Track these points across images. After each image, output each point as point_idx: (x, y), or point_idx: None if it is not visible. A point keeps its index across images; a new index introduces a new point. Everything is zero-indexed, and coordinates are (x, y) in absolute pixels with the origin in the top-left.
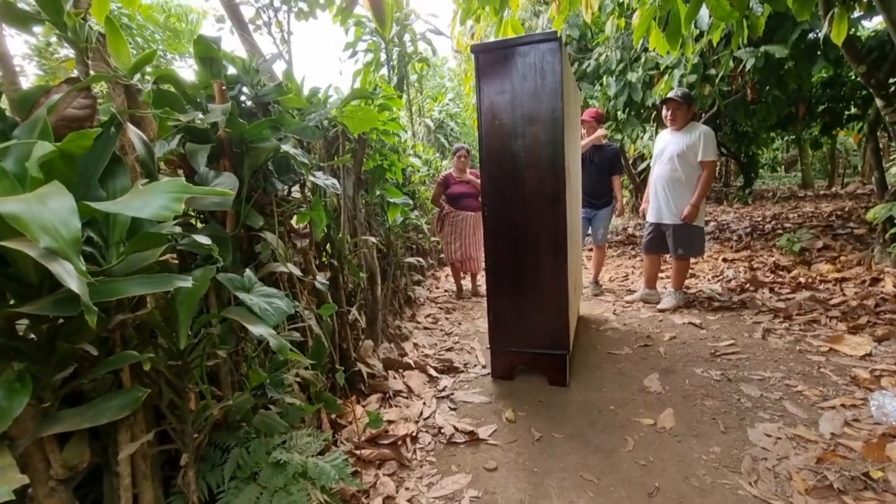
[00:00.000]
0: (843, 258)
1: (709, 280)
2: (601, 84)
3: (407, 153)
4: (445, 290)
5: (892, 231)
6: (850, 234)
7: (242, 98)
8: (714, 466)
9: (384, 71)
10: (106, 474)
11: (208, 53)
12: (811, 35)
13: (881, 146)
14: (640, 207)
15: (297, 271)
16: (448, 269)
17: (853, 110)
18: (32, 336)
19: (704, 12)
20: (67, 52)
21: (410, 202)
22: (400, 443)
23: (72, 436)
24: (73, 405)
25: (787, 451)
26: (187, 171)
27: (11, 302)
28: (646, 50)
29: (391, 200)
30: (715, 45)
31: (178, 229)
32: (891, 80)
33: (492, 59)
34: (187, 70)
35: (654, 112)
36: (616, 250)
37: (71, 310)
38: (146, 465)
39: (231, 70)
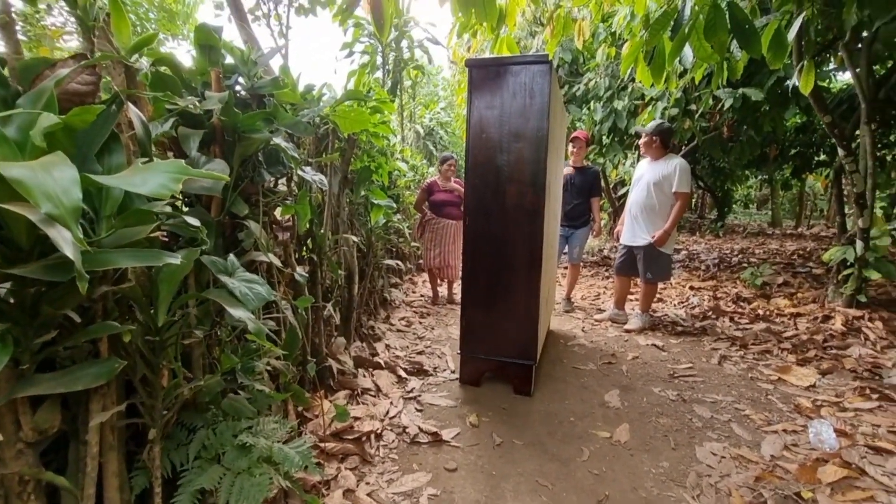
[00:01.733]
0: (799, 295)
1: (675, 305)
2: (588, 108)
3: (395, 157)
4: (421, 296)
5: (845, 273)
6: (809, 272)
7: (238, 88)
8: (662, 480)
9: (379, 74)
10: (72, 442)
11: (208, 41)
12: (787, 82)
13: (845, 193)
14: (615, 230)
15: (277, 262)
16: (425, 275)
17: (822, 157)
18: (12, 300)
19: (688, 51)
20: (54, 20)
21: (394, 205)
22: (364, 439)
23: (44, 400)
24: (47, 373)
25: (730, 470)
26: (178, 154)
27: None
28: (633, 80)
29: (375, 202)
30: (697, 83)
31: (168, 209)
32: (856, 133)
33: (484, 75)
34: (180, 52)
35: (637, 140)
36: (590, 270)
37: (61, 275)
38: (113, 437)
39: (229, 60)
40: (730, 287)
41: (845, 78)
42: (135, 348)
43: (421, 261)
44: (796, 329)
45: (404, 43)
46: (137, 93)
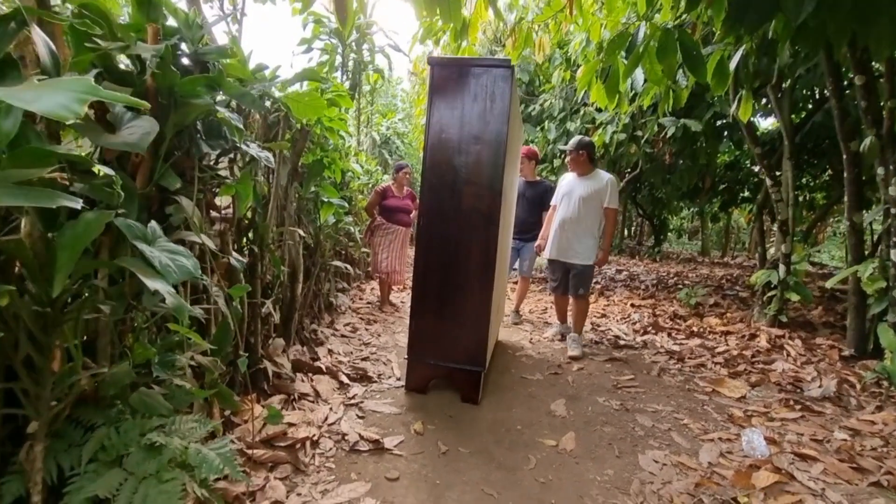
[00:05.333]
0: (729, 315)
1: (618, 321)
2: (542, 128)
3: (350, 158)
4: (369, 303)
5: (769, 295)
6: (736, 295)
7: (180, 53)
8: (606, 487)
9: (338, 74)
10: None
11: None
12: (721, 118)
13: (765, 227)
14: (536, 244)
15: (210, 244)
16: (374, 283)
17: (746, 193)
18: None
19: (639, 74)
20: None
21: (346, 205)
22: (298, 446)
23: None
24: None
25: (671, 477)
26: (98, 111)
27: None
28: (585, 104)
29: (326, 199)
30: (644, 108)
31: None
32: (778, 173)
33: (447, 75)
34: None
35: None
36: (539, 285)
37: None
38: None
39: (170, 22)
40: (667, 306)
41: (767, 123)
42: (19, 323)
43: (370, 268)
44: (727, 345)
45: (365, 46)
46: (52, 18)
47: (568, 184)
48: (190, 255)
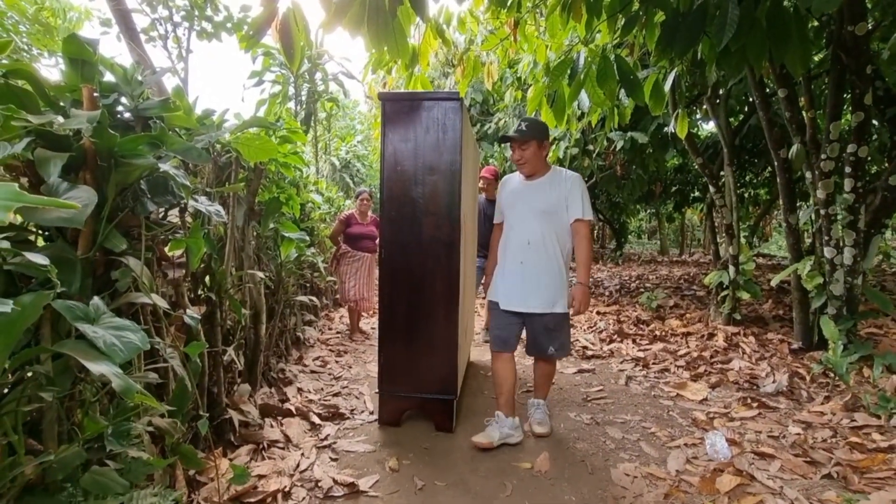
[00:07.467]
0: (688, 315)
1: (584, 330)
2: (500, 146)
3: (309, 189)
4: (338, 332)
5: (722, 294)
6: (694, 295)
7: (120, 109)
8: None
9: (292, 105)
10: None
11: (80, 55)
12: (665, 129)
13: (716, 224)
14: (482, 282)
15: (162, 303)
16: (343, 311)
17: (696, 193)
18: None
19: (584, 97)
20: None
21: (307, 238)
22: (269, 500)
23: None
24: None
25: (642, 489)
26: (33, 179)
27: None
28: None
29: (286, 235)
30: (593, 125)
31: (4, 244)
32: (721, 173)
33: (398, 109)
34: (57, 72)
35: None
36: None
37: None
38: None
39: (109, 77)
40: (630, 311)
41: (710, 126)
42: None
43: (338, 296)
44: (688, 347)
45: (318, 75)
46: None
47: (513, 193)
48: (137, 328)
